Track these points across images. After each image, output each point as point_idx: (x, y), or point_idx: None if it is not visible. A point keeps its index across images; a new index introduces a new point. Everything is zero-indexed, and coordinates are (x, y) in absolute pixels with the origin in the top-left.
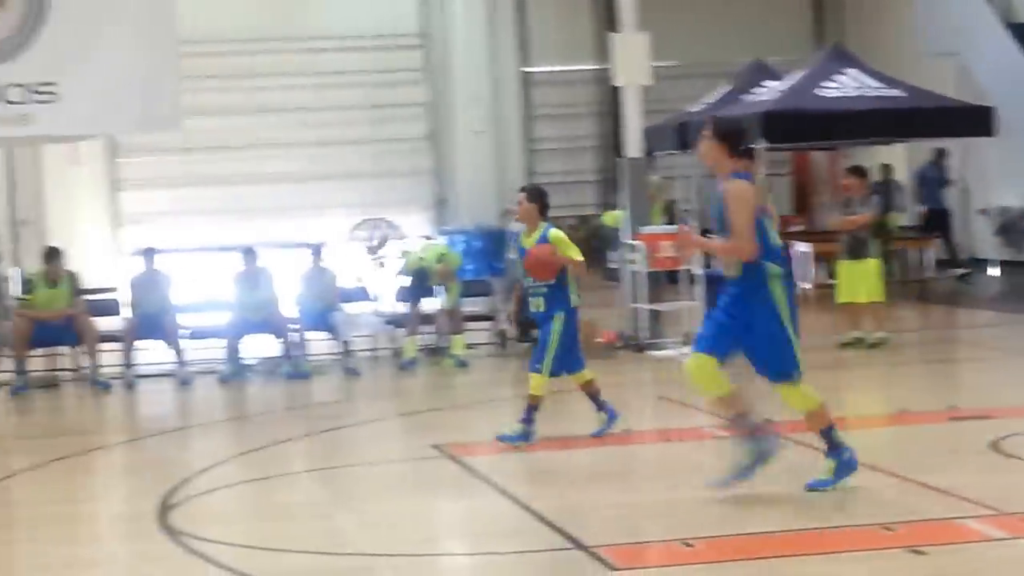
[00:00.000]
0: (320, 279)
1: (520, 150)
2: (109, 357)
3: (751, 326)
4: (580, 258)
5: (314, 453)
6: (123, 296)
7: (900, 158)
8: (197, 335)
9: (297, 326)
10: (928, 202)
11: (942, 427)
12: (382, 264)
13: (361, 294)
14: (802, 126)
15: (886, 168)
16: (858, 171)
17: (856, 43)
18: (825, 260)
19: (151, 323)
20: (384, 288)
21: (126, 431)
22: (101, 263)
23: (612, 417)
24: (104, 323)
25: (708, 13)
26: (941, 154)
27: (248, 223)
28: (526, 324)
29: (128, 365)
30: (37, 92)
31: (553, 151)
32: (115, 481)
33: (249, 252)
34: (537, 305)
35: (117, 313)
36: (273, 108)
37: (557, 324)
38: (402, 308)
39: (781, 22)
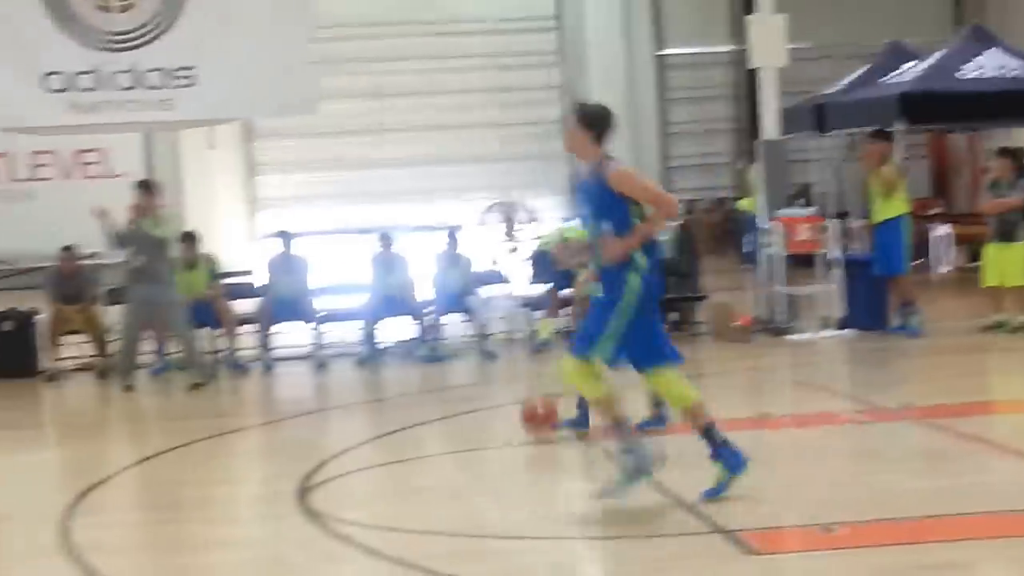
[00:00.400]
0: (455, 262)
1: (655, 133)
2: (246, 340)
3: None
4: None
5: (450, 436)
6: (259, 279)
7: None
8: (333, 318)
9: (433, 309)
10: None
11: None
12: (516, 247)
13: (496, 277)
14: (940, 108)
15: None
16: (1008, 153)
17: (997, 23)
18: (966, 243)
19: (287, 306)
20: (518, 270)
21: (264, 413)
22: (238, 246)
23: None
24: (241, 306)
25: None
26: None
27: (381, 206)
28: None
29: (265, 348)
30: (176, 77)
31: (687, 134)
32: (254, 463)
33: (386, 236)
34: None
35: (254, 296)
36: (404, 92)
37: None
38: (536, 290)
39: (919, 3)
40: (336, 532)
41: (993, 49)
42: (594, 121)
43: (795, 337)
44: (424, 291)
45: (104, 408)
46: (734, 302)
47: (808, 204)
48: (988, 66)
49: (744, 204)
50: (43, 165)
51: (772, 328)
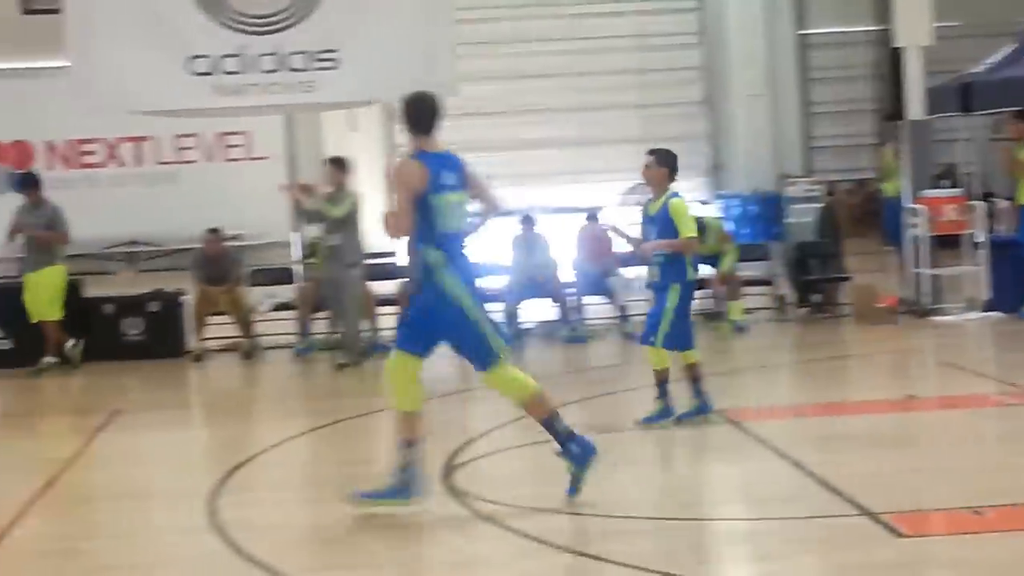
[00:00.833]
0: (597, 243)
1: (797, 113)
2: (385, 321)
3: (439, 322)
4: (692, 234)
5: (591, 417)
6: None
7: None
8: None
9: (574, 290)
10: None
11: None
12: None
13: (636, 258)
14: None
15: None
16: None
17: None
18: None
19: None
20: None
21: None
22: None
23: (704, 409)
24: (381, 288)
25: None
26: None
27: (519, 188)
28: (805, 286)
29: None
30: (319, 59)
31: (830, 114)
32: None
33: (527, 217)
34: (653, 275)
35: (394, 278)
36: (542, 73)
37: (672, 296)
38: None
39: None
40: (481, 512)
41: None
42: (410, 113)
43: (940, 319)
44: (566, 272)
45: (250, 388)
46: (877, 284)
47: (954, 185)
48: None
49: (887, 188)
50: (187, 148)
51: (917, 310)
